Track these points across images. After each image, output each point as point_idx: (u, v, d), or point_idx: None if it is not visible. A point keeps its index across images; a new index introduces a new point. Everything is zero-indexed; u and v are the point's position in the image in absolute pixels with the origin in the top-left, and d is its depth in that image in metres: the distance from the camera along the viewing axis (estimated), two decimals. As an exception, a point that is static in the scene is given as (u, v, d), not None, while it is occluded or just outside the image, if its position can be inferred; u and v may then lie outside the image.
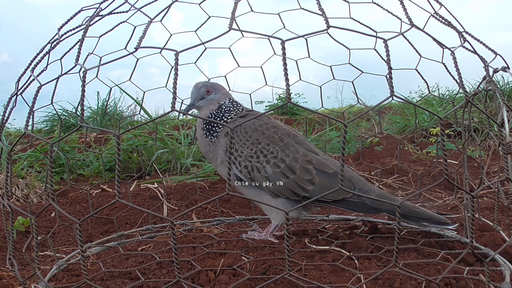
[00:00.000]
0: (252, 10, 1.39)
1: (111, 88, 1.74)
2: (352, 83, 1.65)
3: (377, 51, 1.45)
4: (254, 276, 1.04)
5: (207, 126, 1.41)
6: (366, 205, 1.27)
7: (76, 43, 1.07)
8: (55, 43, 1.06)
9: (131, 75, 1.56)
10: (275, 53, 1.71)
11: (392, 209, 1.25)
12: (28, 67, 1.05)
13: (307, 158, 1.31)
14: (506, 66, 1.01)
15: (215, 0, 1.50)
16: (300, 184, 1.27)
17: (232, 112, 1.43)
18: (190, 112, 1.55)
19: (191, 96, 1.47)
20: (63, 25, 1.06)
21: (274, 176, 1.28)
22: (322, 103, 1.72)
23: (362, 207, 1.28)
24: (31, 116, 0.99)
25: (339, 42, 1.47)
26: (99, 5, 1.04)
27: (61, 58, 1.11)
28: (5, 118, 1.09)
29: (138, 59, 1.54)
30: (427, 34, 0.86)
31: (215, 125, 1.40)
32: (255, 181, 1.31)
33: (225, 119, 1.42)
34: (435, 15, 1.05)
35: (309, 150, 1.36)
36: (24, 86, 1.04)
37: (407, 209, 1.28)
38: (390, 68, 0.69)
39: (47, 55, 1.06)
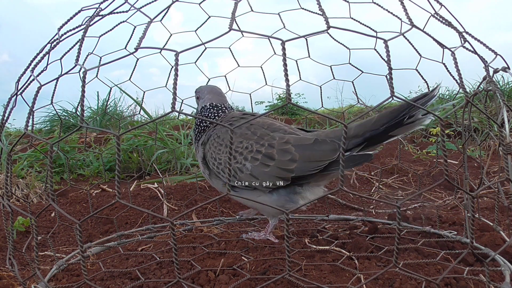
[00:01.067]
0: (252, 10, 1.39)
1: (111, 88, 1.74)
2: (352, 83, 1.65)
3: (377, 51, 1.45)
4: (254, 276, 1.04)
5: (194, 131, 1.45)
6: (354, 156, 1.19)
7: (76, 43, 1.07)
8: (55, 43, 1.06)
9: (131, 75, 1.56)
10: (275, 53, 1.71)
11: (375, 133, 1.15)
12: (28, 67, 1.05)
13: (284, 140, 1.27)
14: (506, 66, 1.01)
15: (215, 0, 1.50)
16: (282, 167, 1.24)
17: (209, 115, 1.44)
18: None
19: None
20: (63, 25, 1.06)
21: (256, 170, 1.25)
22: (322, 103, 1.72)
23: (352, 160, 1.19)
24: (31, 116, 0.99)
25: (339, 42, 1.47)
26: (99, 5, 1.04)
27: (61, 58, 1.11)
28: (5, 118, 1.09)
29: (138, 59, 1.54)
30: (427, 34, 0.86)
31: (199, 130, 1.44)
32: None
33: (202, 125, 1.44)
34: (435, 15, 1.05)
35: (287, 133, 1.32)
36: (24, 86, 1.04)
37: (384, 116, 1.15)
38: (390, 68, 0.69)
39: (47, 55, 1.06)
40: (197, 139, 1.44)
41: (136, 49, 0.75)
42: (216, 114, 1.45)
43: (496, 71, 1.01)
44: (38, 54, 1.07)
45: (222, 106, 1.47)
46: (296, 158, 1.22)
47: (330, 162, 1.20)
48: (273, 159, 1.25)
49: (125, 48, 1.39)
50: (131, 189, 2.24)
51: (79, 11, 1.07)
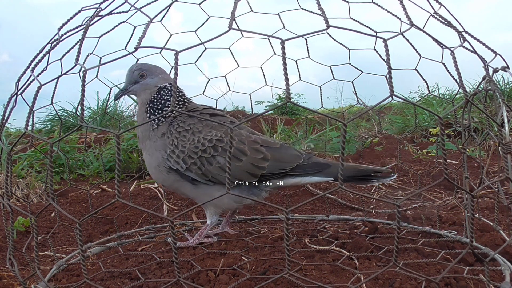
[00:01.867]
0: (252, 10, 1.39)
1: (111, 88, 1.74)
2: (352, 83, 1.65)
3: (377, 51, 1.45)
4: (254, 276, 1.04)
5: (150, 110, 1.33)
6: (316, 163, 1.31)
7: (76, 43, 1.07)
8: (55, 43, 1.06)
9: (131, 75, 1.55)
10: (275, 53, 1.71)
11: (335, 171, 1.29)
12: (28, 67, 1.05)
13: (252, 139, 1.30)
14: (506, 66, 1.01)
15: (215, 0, 1.50)
16: (255, 164, 1.26)
17: (176, 98, 1.33)
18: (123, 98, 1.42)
19: (125, 80, 1.38)
20: (63, 25, 1.06)
21: (225, 163, 1.22)
22: (322, 103, 1.72)
23: (315, 166, 1.31)
24: (31, 116, 0.99)
25: (339, 42, 1.47)
26: (99, 5, 1.04)
27: (61, 58, 1.11)
28: (5, 118, 1.09)
29: (138, 59, 1.54)
30: (427, 34, 0.86)
31: (160, 111, 1.31)
32: (208, 175, 1.25)
33: (167, 107, 1.32)
34: (434, 15, 1.05)
35: (250, 132, 1.36)
36: (24, 86, 1.05)
37: (354, 169, 1.31)
38: (389, 68, 0.69)
39: (47, 55, 1.06)
40: (153, 127, 1.32)
41: (136, 49, 0.75)
42: (181, 100, 1.36)
43: (495, 70, 1.01)
44: (38, 54, 1.07)
45: (182, 90, 1.40)
46: (268, 158, 1.28)
47: (296, 165, 1.30)
48: (246, 155, 1.27)
49: (125, 48, 1.39)
50: (131, 189, 2.24)
51: (79, 11, 1.07)
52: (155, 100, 1.34)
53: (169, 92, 1.34)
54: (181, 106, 1.37)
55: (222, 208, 1.36)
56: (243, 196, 1.16)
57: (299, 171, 1.30)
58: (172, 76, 1.36)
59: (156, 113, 1.33)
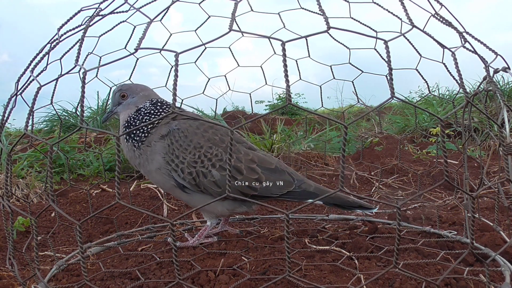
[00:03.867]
0: (252, 10, 1.39)
1: (111, 88, 1.74)
2: (352, 83, 1.65)
3: (377, 51, 1.45)
4: (254, 276, 1.04)
5: (126, 130, 1.34)
6: (305, 191, 1.31)
7: (76, 43, 1.07)
8: (54, 43, 1.05)
9: (131, 75, 1.56)
10: (275, 53, 1.71)
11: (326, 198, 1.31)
12: (28, 67, 1.05)
13: (249, 157, 1.30)
14: (506, 66, 1.01)
15: (215, 0, 1.50)
16: (248, 184, 1.27)
17: (153, 114, 1.34)
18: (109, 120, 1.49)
19: (110, 102, 1.43)
20: (63, 25, 1.05)
21: (223, 180, 1.25)
22: (322, 103, 1.72)
23: (304, 194, 1.31)
24: (31, 116, 0.99)
25: (339, 42, 1.47)
26: (99, 5, 1.04)
27: (61, 58, 1.11)
28: (5, 118, 1.09)
29: (137, 59, 1.54)
30: (427, 34, 0.86)
31: (139, 129, 1.32)
32: (201, 187, 1.28)
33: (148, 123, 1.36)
34: (435, 15, 1.05)
35: (248, 147, 1.36)
36: (24, 86, 1.04)
37: (340, 199, 1.33)
38: (390, 68, 0.69)
39: (47, 55, 1.06)
40: (138, 137, 1.32)
41: (136, 50, 0.75)
42: (161, 110, 1.36)
43: (496, 71, 1.01)
44: (38, 54, 1.07)
45: (163, 101, 1.39)
46: (262, 180, 1.28)
47: (286, 192, 1.30)
48: (242, 174, 1.27)
49: (125, 48, 1.39)
50: (131, 189, 2.24)
51: (79, 11, 1.07)
52: (131, 120, 1.36)
53: (147, 111, 1.35)
54: (157, 121, 1.34)
55: (216, 214, 1.37)
56: (232, 209, 1.25)
57: (288, 197, 1.31)
58: (154, 90, 1.43)
59: (131, 134, 1.33)
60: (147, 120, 1.33)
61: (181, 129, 1.30)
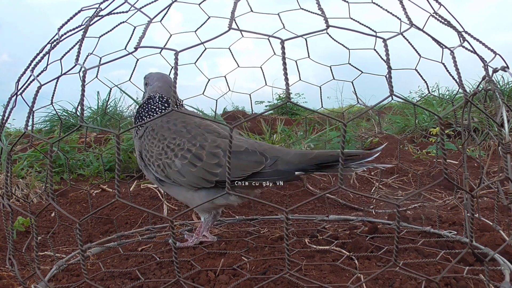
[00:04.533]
0: (251, 10, 1.39)
1: (111, 89, 1.74)
2: (352, 83, 1.65)
3: (376, 51, 1.45)
4: (254, 276, 1.04)
5: (137, 115, 1.42)
6: (280, 171, 1.22)
7: (76, 43, 1.07)
8: (55, 43, 1.06)
9: (131, 76, 1.56)
10: (274, 53, 1.71)
11: (307, 166, 1.21)
12: (28, 67, 1.05)
13: (216, 144, 1.28)
14: (505, 66, 1.01)
15: (215, 0, 1.50)
16: (207, 170, 1.25)
17: (152, 110, 1.39)
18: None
19: None
20: (63, 25, 1.06)
21: (184, 168, 1.26)
22: (322, 103, 1.72)
23: (276, 174, 1.22)
24: (31, 116, 0.99)
25: (338, 42, 1.47)
26: (99, 5, 1.04)
27: (61, 58, 1.11)
28: (5, 118, 1.09)
29: (138, 59, 1.54)
30: (426, 34, 0.86)
31: (140, 120, 1.40)
32: (170, 178, 1.29)
33: (148, 116, 1.40)
34: (434, 14, 1.05)
35: (221, 136, 1.31)
36: (24, 86, 1.04)
37: (322, 156, 1.20)
38: (389, 67, 0.69)
39: (47, 55, 1.06)
40: (137, 133, 1.41)
41: (136, 49, 0.75)
42: (162, 109, 1.41)
43: (495, 70, 1.01)
44: (38, 54, 1.07)
45: (168, 99, 1.42)
46: (222, 163, 1.24)
47: (254, 173, 1.22)
48: (201, 160, 1.26)
49: (125, 48, 1.39)
50: (131, 189, 2.24)
51: (79, 11, 1.07)
52: (141, 108, 1.43)
53: (154, 102, 1.41)
54: (160, 111, 1.40)
55: (202, 208, 1.35)
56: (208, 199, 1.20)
57: (257, 178, 1.23)
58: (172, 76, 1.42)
59: (137, 121, 1.42)
60: (150, 113, 1.40)
61: (151, 124, 1.36)
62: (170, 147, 1.29)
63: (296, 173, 1.21)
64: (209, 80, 1.74)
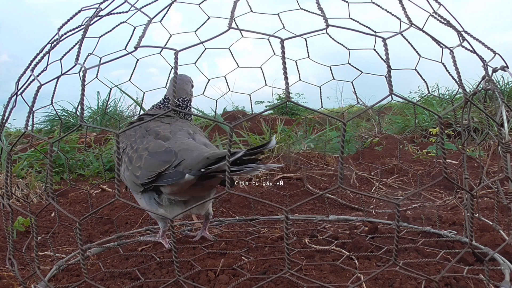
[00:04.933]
0: (251, 11, 1.39)
1: (111, 89, 1.74)
2: (352, 83, 1.65)
3: (376, 51, 1.45)
4: (254, 276, 1.04)
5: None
6: (177, 171, 1.10)
7: (76, 43, 1.07)
8: (55, 43, 1.06)
9: (131, 76, 1.56)
10: (274, 53, 1.71)
11: (203, 167, 1.05)
12: (28, 67, 1.05)
13: (146, 146, 1.21)
14: (505, 65, 1.01)
15: (215, 0, 1.50)
16: (134, 173, 1.20)
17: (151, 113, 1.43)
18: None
19: None
20: (63, 25, 1.06)
21: (124, 173, 1.24)
22: (322, 103, 1.72)
23: (177, 174, 1.10)
24: (31, 116, 0.99)
25: (338, 42, 1.47)
26: (99, 5, 1.04)
27: (61, 58, 1.11)
28: (5, 118, 1.09)
29: (138, 60, 1.55)
30: (426, 33, 0.86)
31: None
32: (125, 183, 1.28)
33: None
34: (434, 14, 1.05)
35: (159, 137, 1.24)
36: (24, 86, 1.05)
37: (214, 156, 1.06)
38: (389, 67, 0.70)
39: (47, 55, 1.06)
40: None
41: (136, 48, 0.75)
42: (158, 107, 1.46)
43: (495, 70, 1.01)
44: (38, 54, 1.07)
45: (167, 104, 1.45)
46: (141, 165, 1.16)
47: (160, 174, 1.12)
48: (131, 164, 1.22)
49: (125, 48, 1.39)
50: (131, 189, 2.24)
51: (79, 11, 1.07)
52: (154, 107, 1.48)
53: (164, 103, 1.46)
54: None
55: (158, 216, 1.31)
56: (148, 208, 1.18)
57: (165, 180, 1.12)
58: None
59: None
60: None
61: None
62: (119, 153, 1.27)
63: (186, 176, 1.08)
64: (209, 80, 1.74)
